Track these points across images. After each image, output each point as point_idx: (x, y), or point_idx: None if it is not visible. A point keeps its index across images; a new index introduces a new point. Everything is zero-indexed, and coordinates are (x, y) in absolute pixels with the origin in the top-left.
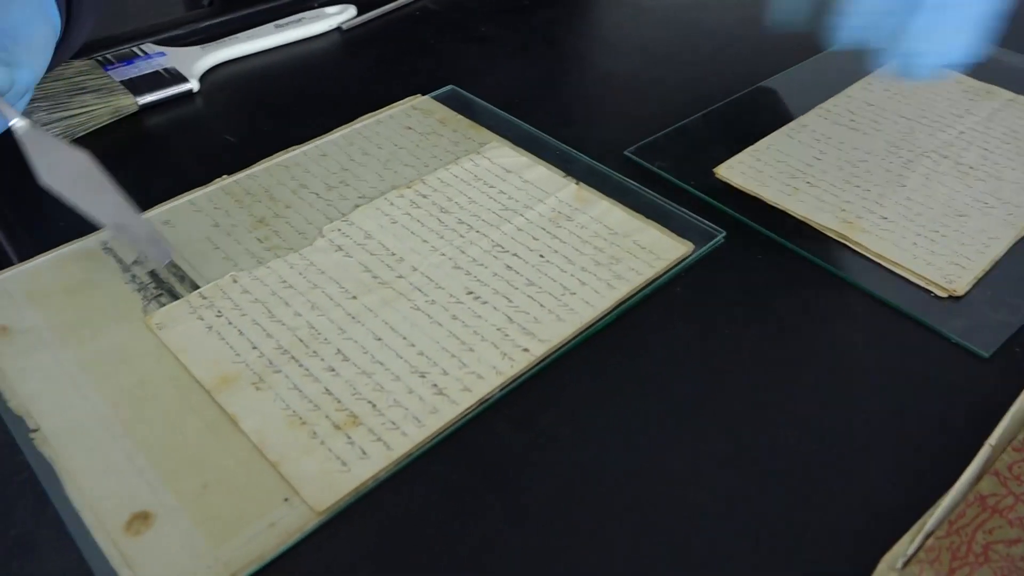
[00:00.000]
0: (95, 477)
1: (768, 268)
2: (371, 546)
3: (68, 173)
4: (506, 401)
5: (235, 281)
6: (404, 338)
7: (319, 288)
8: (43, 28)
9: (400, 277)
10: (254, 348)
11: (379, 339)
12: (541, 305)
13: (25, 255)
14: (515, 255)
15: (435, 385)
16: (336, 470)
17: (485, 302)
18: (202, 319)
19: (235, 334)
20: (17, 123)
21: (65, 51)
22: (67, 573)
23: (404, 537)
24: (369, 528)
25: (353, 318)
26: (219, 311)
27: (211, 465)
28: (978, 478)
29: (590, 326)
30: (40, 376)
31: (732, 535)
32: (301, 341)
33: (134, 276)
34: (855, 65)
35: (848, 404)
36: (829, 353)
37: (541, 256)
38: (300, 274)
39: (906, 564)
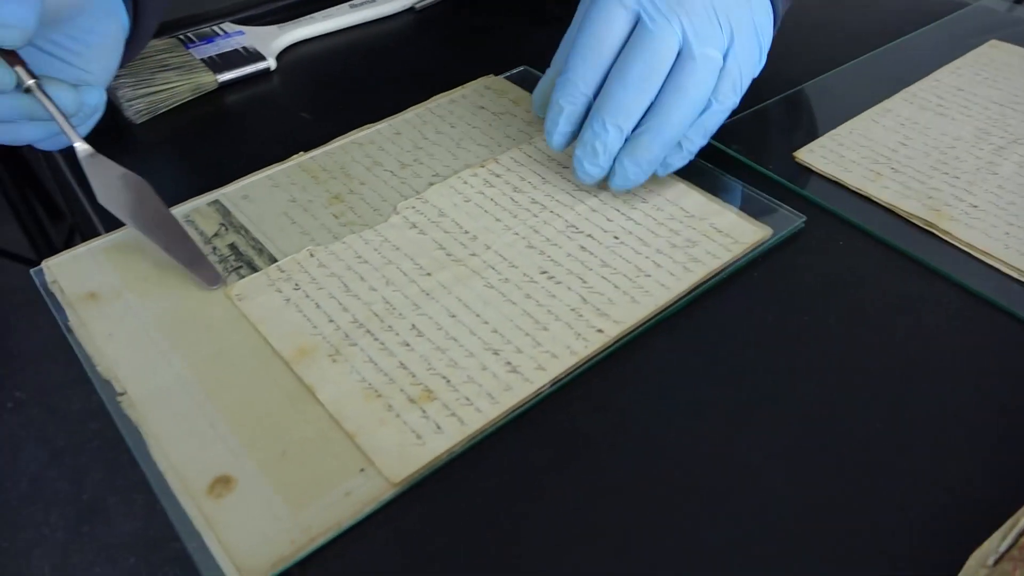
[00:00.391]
0: (179, 441)
1: (850, 255)
2: (444, 519)
3: (125, 196)
4: (580, 381)
5: (312, 255)
6: (478, 315)
7: (393, 264)
8: (113, 27)
9: (474, 255)
10: (330, 321)
11: (453, 316)
12: (615, 286)
13: (112, 226)
14: (589, 236)
15: (509, 363)
16: (411, 443)
17: (559, 282)
18: (280, 291)
19: (312, 307)
20: (79, 147)
21: (134, 49)
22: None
23: (476, 512)
24: (443, 502)
25: (427, 294)
26: (296, 284)
27: (289, 434)
28: None
29: (665, 309)
30: (126, 342)
31: (814, 526)
32: (376, 315)
33: (215, 248)
34: (942, 50)
35: (935, 395)
36: (914, 342)
37: (615, 238)
38: (375, 250)
39: (998, 561)
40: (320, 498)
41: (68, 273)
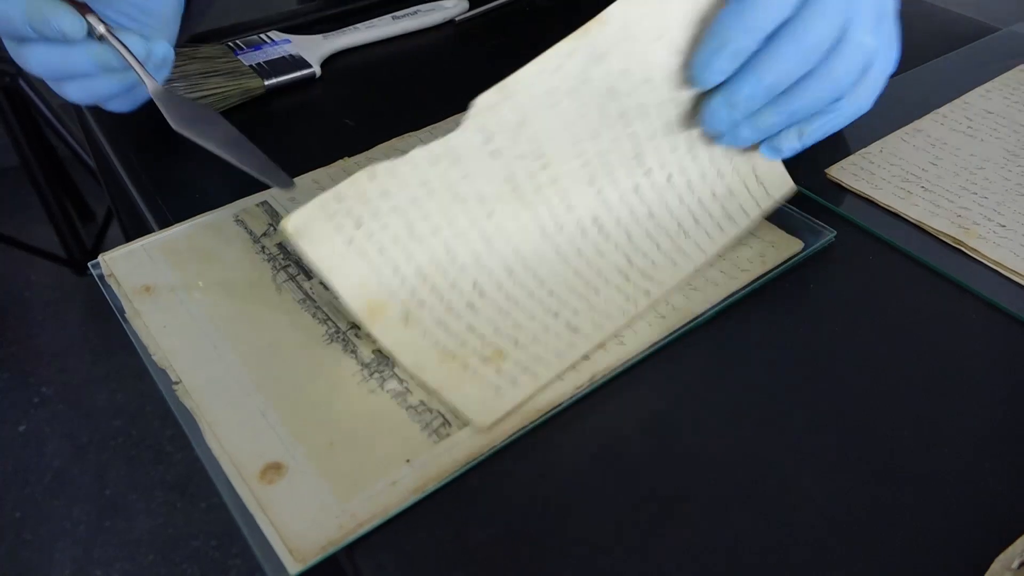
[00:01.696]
0: (232, 428)
1: (879, 270)
2: (485, 513)
3: (196, 121)
4: (617, 388)
5: (372, 179)
6: (534, 275)
7: (458, 200)
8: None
9: (538, 190)
10: (396, 273)
11: (511, 273)
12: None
13: (164, 223)
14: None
15: (568, 323)
16: (491, 396)
17: (608, 236)
18: (341, 229)
19: (376, 252)
20: (151, 85)
21: (190, 26)
22: (154, 534)
23: (515, 508)
24: (484, 496)
25: (488, 242)
26: (358, 220)
27: (337, 424)
28: None
29: (699, 316)
30: (180, 333)
31: (841, 529)
32: (440, 268)
33: (263, 247)
34: (972, 73)
35: (961, 407)
36: (941, 356)
37: (656, 222)
38: (441, 176)
39: (1022, 564)
40: (367, 487)
41: (123, 267)
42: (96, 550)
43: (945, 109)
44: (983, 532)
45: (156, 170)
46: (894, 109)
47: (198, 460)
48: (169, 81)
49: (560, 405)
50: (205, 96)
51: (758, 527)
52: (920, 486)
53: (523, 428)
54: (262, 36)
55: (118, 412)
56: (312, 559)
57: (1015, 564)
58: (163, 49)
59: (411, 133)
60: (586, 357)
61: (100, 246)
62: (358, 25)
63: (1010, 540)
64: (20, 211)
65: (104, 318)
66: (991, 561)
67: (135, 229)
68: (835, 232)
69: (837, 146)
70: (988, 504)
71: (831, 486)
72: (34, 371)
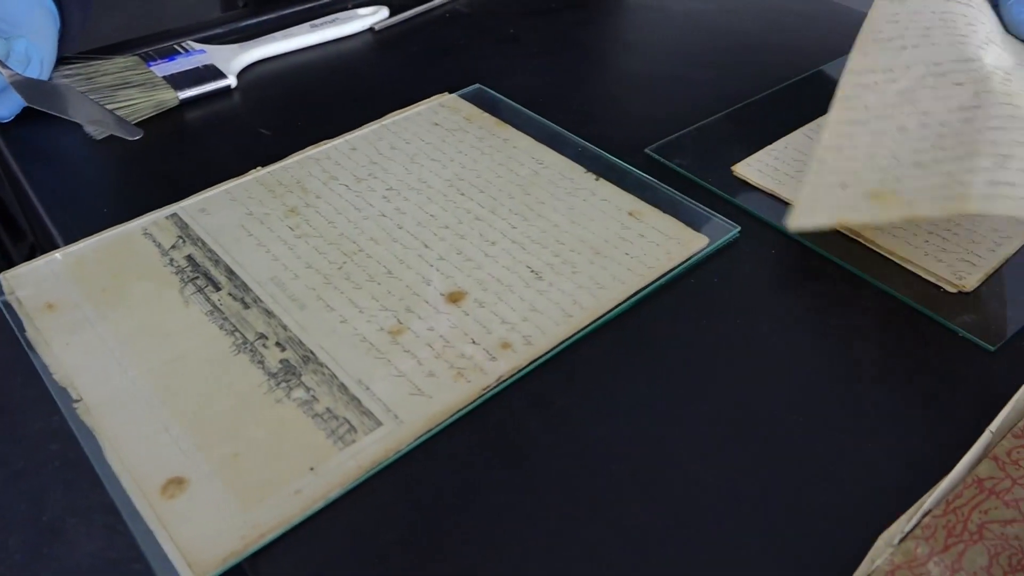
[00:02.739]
0: (133, 445)
1: (782, 262)
2: (391, 517)
3: (50, 96)
4: (522, 384)
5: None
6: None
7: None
8: (39, 13)
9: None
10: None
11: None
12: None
13: (70, 239)
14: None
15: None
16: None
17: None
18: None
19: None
20: (8, 75)
21: (72, 33)
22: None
23: (421, 510)
24: (390, 500)
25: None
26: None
27: (242, 436)
28: (977, 462)
29: (606, 314)
30: (83, 351)
31: (738, 509)
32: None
33: (172, 260)
34: None
35: (856, 392)
36: (838, 343)
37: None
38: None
39: (902, 540)
40: (270, 496)
41: (26, 285)
42: None
43: None
44: (870, 510)
45: (63, 185)
46: (799, 107)
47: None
48: (82, 94)
49: (467, 407)
50: (117, 108)
51: (657, 515)
52: (811, 468)
53: (429, 431)
54: (176, 46)
55: (54, 436)
56: (212, 571)
57: (896, 540)
58: (22, 45)
59: (327, 141)
60: (492, 357)
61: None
62: (275, 34)
63: (894, 517)
64: None
65: None
66: (876, 538)
67: (45, 246)
68: (739, 228)
69: (743, 144)
70: (875, 483)
71: (728, 472)
72: None
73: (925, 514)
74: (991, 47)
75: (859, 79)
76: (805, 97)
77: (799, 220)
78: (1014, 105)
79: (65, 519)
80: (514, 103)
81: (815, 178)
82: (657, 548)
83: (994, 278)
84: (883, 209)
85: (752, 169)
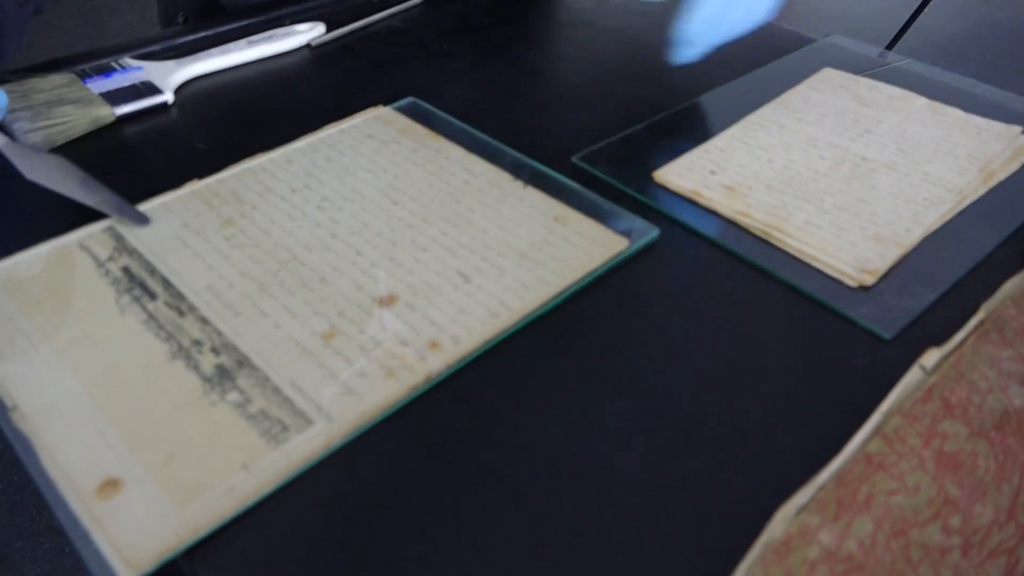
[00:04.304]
0: (69, 450)
1: (697, 263)
2: (323, 512)
3: (47, 169)
4: (451, 381)
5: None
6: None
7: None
8: None
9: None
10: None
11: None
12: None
13: (4, 251)
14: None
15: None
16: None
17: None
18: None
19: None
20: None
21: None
22: None
23: (354, 504)
24: (322, 495)
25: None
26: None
27: (176, 438)
28: (867, 441)
29: (531, 313)
30: (17, 360)
31: (654, 493)
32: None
33: (108, 271)
34: (790, 77)
35: (760, 381)
36: (746, 337)
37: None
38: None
39: (798, 513)
40: (204, 494)
41: None
42: None
43: (763, 111)
44: (772, 489)
45: None
46: (718, 115)
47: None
48: (12, 111)
49: (396, 405)
50: (52, 125)
51: (580, 503)
52: (721, 452)
53: (359, 429)
54: (112, 63)
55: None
56: (146, 567)
57: (792, 513)
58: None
59: (263, 154)
60: (422, 357)
61: None
62: (212, 50)
63: (794, 492)
64: None
65: None
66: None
67: None
68: (658, 230)
69: (664, 151)
70: (781, 465)
71: (645, 460)
72: None
73: (819, 489)
74: (865, 138)
75: (759, 121)
76: (722, 106)
77: (664, 176)
78: (848, 178)
79: (10, 543)
80: (447, 115)
81: (695, 159)
82: (581, 535)
83: (894, 271)
84: (728, 198)
85: (671, 175)
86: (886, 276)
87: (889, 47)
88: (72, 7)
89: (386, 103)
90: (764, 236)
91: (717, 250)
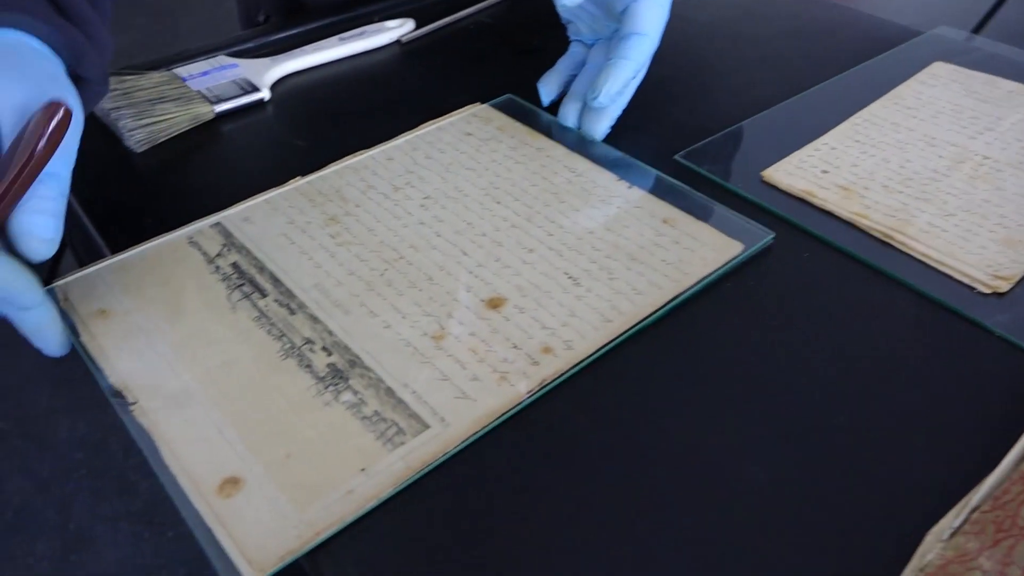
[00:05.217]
0: (188, 445)
1: (815, 267)
2: (442, 516)
3: None
4: (567, 387)
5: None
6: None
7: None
8: (24, 277)
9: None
10: None
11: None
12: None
13: (116, 249)
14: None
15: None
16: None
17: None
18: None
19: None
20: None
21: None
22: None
23: (472, 509)
24: (441, 500)
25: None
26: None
27: (293, 437)
28: (1022, 458)
29: (645, 319)
30: (136, 355)
31: (786, 508)
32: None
33: (218, 267)
34: (898, 72)
35: (896, 394)
36: (872, 345)
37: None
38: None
39: (952, 536)
40: (324, 496)
41: (79, 291)
42: None
43: (873, 107)
44: (913, 508)
45: (107, 195)
46: (825, 111)
47: (163, 489)
48: (117, 109)
49: (512, 410)
50: (155, 123)
51: (706, 515)
52: (857, 468)
53: (476, 433)
54: (210, 61)
55: (80, 444)
56: (271, 569)
57: (945, 535)
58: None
59: (363, 151)
60: (535, 362)
61: (56, 275)
62: (305, 47)
63: (941, 514)
64: None
65: None
66: (923, 534)
67: (89, 256)
68: (773, 234)
69: (770, 148)
70: (920, 481)
71: (775, 473)
72: None
73: (973, 510)
74: (985, 135)
75: (869, 118)
76: (831, 101)
77: (774, 175)
78: (971, 178)
79: (93, 527)
80: (545, 112)
81: (804, 158)
82: (706, 547)
83: None
84: (844, 199)
85: (781, 174)
86: (1020, 282)
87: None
88: (144, 6)
89: (480, 100)
90: (885, 239)
91: (834, 253)
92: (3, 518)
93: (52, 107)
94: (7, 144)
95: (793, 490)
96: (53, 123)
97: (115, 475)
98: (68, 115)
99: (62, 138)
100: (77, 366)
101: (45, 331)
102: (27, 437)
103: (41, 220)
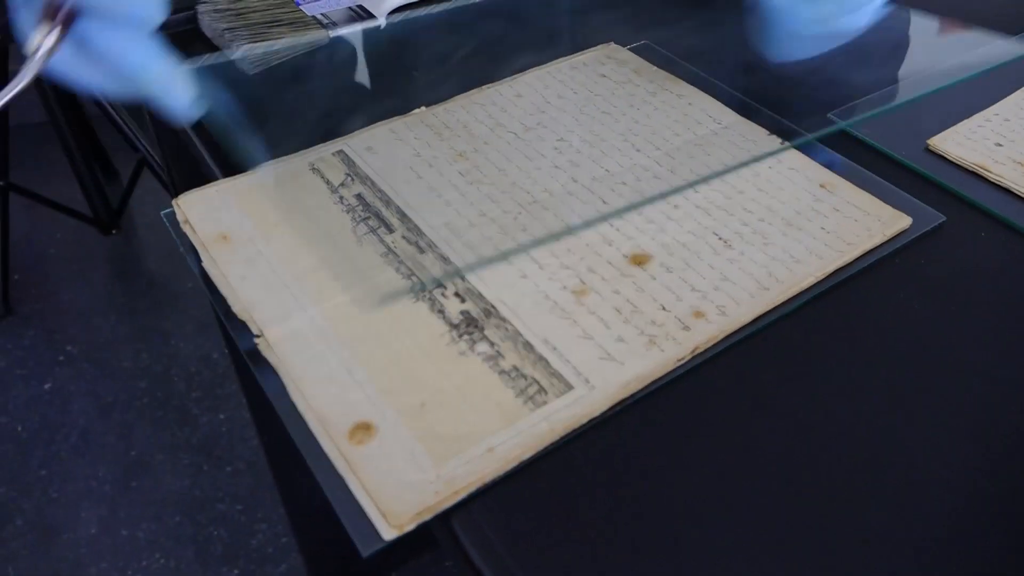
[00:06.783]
0: (317, 386)
1: (994, 247)
2: (580, 485)
3: None
4: (728, 358)
5: None
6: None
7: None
8: None
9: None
10: None
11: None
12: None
13: (231, 171)
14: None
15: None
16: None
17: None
18: None
19: None
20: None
21: None
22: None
23: (613, 478)
24: (580, 468)
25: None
26: None
27: (428, 385)
28: None
29: (805, 291)
30: (260, 285)
31: (975, 511)
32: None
33: (342, 198)
34: None
35: None
36: None
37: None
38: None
39: None
40: (463, 452)
41: (199, 213)
42: (122, 510)
43: None
44: None
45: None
46: (998, 77)
47: (224, 424)
48: (232, 31)
49: (663, 378)
50: (271, 45)
51: (887, 512)
52: None
53: (625, 399)
54: None
55: (143, 373)
56: (408, 525)
57: None
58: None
59: (490, 85)
60: (686, 327)
61: (126, 206)
62: None
63: None
64: (44, 168)
65: (129, 278)
66: None
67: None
68: (943, 218)
69: (935, 114)
70: None
71: (963, 470)
72: (59, 329)
73: None
74: None
75: None
76: (1010, 65)
77: (942, 144)
78: None
79: (153, 455)
80: (684, 62)
81: (975, 128)
82: (884, 545)
83: None
84: (1022, 176)
85: (950, 143)
86: None
87: None
88: None
89: (616, 42)
90: None
91: (1012, 233)
92: (68, 440)
93: None
94: None
95: (983, 491)
96: None
97: (177, 406)
98: None
99: None
100: (141, 297)
101: (174, 83)
102: (93, 363)
103: None
